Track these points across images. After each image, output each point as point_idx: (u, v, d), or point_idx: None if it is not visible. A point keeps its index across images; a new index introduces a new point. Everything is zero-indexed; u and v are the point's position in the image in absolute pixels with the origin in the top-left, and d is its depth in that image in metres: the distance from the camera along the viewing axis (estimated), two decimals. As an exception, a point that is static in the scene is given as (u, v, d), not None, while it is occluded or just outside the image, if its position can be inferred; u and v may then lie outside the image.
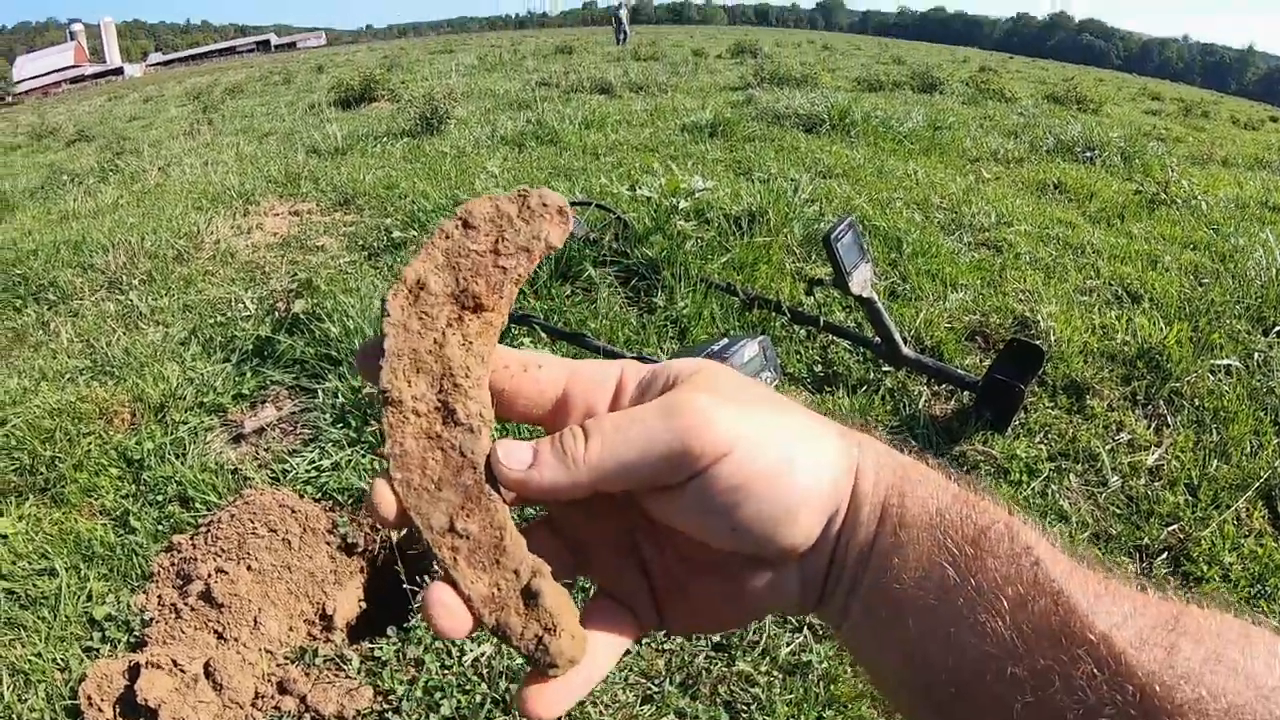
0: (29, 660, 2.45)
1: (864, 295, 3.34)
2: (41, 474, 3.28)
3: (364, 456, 3.20)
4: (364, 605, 2.76)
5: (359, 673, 2.36)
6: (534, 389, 0.53)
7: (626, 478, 0.47)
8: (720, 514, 0.46)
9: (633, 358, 3.01)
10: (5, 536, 2.97)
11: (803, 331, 3.98)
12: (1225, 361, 3.86)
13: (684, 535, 0.49)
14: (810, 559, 0.49)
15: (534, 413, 0.54)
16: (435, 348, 0.51)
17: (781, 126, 9.41)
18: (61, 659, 2.46)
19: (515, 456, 0.48)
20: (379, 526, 2.90)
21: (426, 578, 2.60)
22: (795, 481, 0.46)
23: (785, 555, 0.48)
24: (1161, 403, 3.59)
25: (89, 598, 2.69)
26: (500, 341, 0.53)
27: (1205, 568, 2.68)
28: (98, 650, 2.49)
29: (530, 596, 0.48)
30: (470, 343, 0.51)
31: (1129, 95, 22.12)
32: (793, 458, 0.47)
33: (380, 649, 2.40)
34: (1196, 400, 3.61)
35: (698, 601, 0.52)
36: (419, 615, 2.47)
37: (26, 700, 2.33)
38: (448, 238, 0.52)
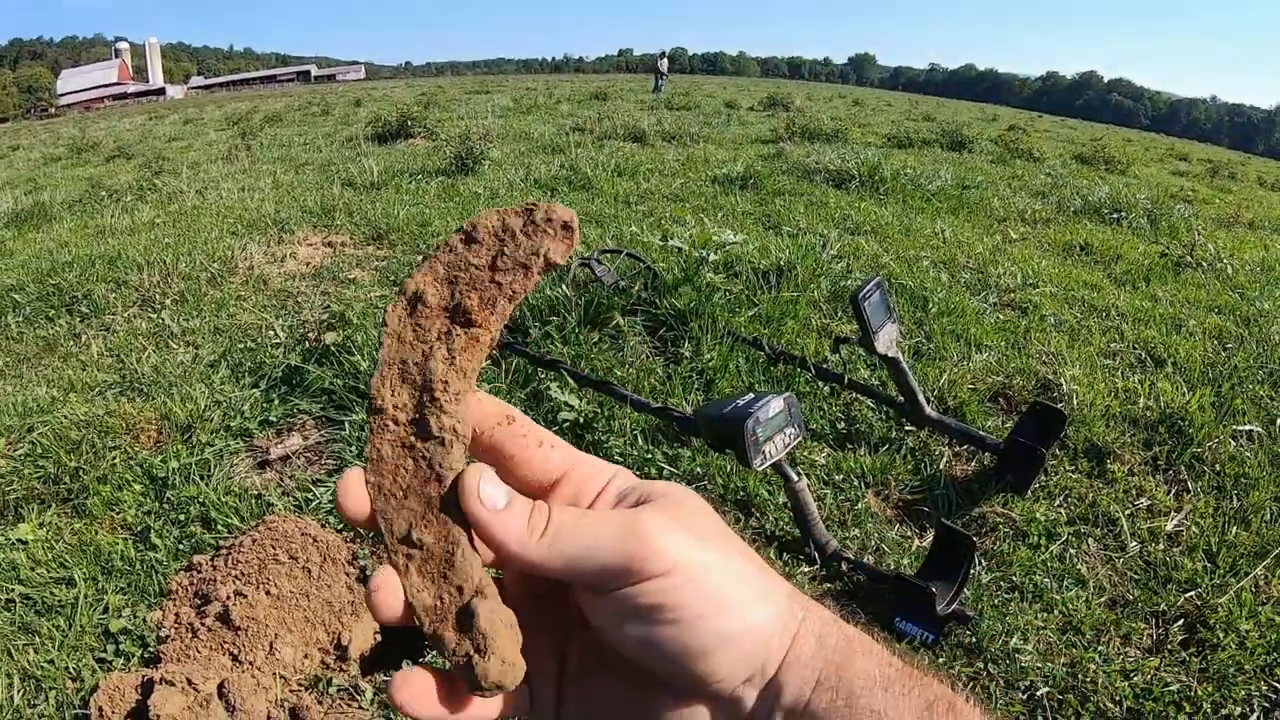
0: (41, 667, 2.46)
1: (889, 355, 3.39)
2: (65, 484, 3.31)
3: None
4: (379, 638, 2.74)
5: (372, 704, 2.39)
6: (540, 466, 0.54)
7: (564, 569, 0.48)
8: (636, 626, 0.47)
9: (667, 411, 3.04)
10: (25, 542, 2.98)
11: (827, 388, 4.01)
12: (1247, 427, 3.88)
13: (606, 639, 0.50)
14: (727, 707, 0.49)
15: (530, 486, 0.54)
16: (422, 360, 0.51)
17: (811, 181, 9.51)
18: (74, 668, 2.47)
19: (490, 496, 0.48)
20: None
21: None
22: (720, 624, 0.46)
23: (692, 690, 0.48)
24: (1182, 468, 3.60)
25: (105, 610, 2.69)
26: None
27: (1221, 635, 2.66)
28: (111, 663, 2.50)
29: (467, 615, 0.48)
30: (454, 357, 0.51)
31: (1156, 156, 22.16)
32: (726, 601, 0.47)
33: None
34: (1217, 466, 3.61)
35: (600, 707, 0.53)
36: (433, 652, 2.50)
37: (36, 706, 2.35)
38: (451, 251, 0.52)
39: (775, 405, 2.55)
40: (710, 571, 0.47)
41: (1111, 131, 37.81)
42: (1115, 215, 8.89)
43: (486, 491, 0.48)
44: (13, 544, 2.97)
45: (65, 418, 3.71)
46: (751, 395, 2.61)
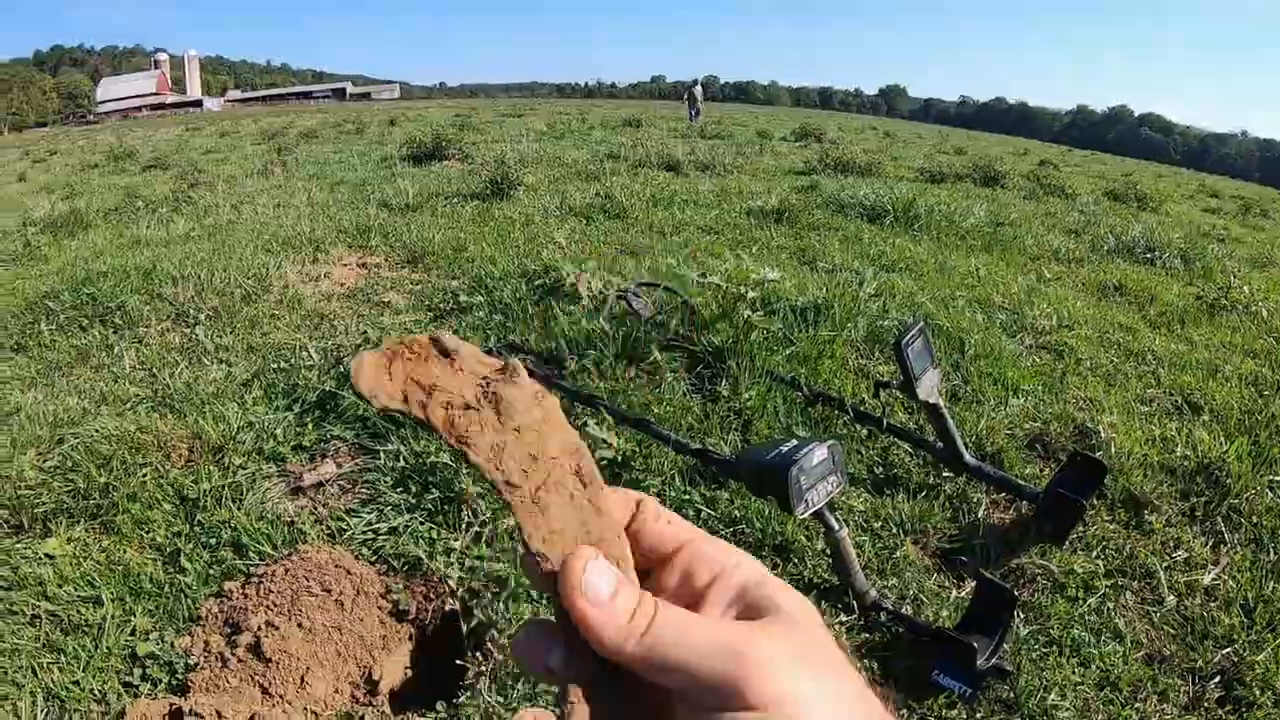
0: (66, 687, 2.45)
1: (931, 401, 3.39)
2: (94, 499, 3.27)
3: (422, 524, 3.22)
4: (410, 673, 2.74)
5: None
6: (658, 538, 0.53)
7: (665, 674, 0.46)
8: None
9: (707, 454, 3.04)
10: (52, 557, 2.97)
11: (864, 431, 4.00)
12: (1284, 478, 3.83)
13: None
14: None
15: (646, 558, 0.54)
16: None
17: (846, 216, 9.50)
18: (99, 690, 2.46)
19: (594, 585, 0.47)
20: (432, 596, 2.94)
21: (479, 654, 2.62)
22: None
23: None
24: (1220, 519, 3.55)
25: (133, 632, 2.67)
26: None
27: (1258, 693, 2.63)
28: (137, 688, 2.48)
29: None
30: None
31: (1187, 192, 21.92)
32: None
33: (427, 722, 2.40)
34: (1255, 517, 3.57)
35: None
36: (468, 693, 2.50)
37: (60, 727, 2.34)
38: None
39: (819, 453, 2.56)
40: (820, 705, 0.44)
41: (1142, 167, 37.65)
42: (1149, 255, 8.85)
43: (591, 580, 0.47)
44: (40, 558, 2.96)
45: (96, 431, 3.70)
46: (795, 442, 2.63)
